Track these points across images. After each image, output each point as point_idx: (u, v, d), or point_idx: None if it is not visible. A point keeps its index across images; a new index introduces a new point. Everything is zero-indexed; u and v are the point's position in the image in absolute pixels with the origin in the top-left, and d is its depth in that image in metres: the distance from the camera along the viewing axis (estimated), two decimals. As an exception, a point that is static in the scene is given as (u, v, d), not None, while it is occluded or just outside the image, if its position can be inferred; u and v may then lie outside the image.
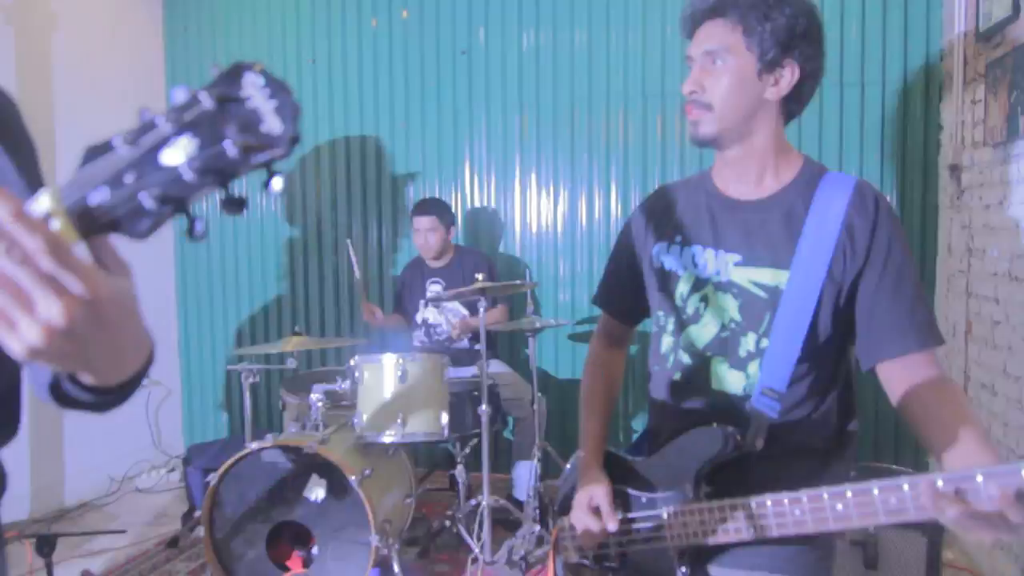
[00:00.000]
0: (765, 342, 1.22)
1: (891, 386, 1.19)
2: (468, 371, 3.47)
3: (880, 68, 3.65)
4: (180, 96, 0.54)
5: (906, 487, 0.96)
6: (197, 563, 3.19)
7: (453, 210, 3.88)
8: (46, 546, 2.94)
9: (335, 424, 3.00)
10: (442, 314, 3.74)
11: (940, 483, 0.90)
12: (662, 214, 1.41)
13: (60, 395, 0.79)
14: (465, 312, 3.67)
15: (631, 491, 1.33)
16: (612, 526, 1.26)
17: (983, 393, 2.97)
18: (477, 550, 2.90)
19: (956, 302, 3.31)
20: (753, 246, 1.25)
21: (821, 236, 1.19)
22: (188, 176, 0.52)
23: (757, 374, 1.22)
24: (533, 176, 4.15)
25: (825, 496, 1.04)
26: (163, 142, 0.53)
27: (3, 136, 0.87)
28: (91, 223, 0.55)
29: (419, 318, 3.79)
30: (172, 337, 4.79)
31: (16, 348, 0.55)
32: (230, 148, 0.51)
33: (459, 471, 3.33)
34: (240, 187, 0.51)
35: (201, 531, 2.75)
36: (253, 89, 0.53)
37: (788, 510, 1.08)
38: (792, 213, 1.23)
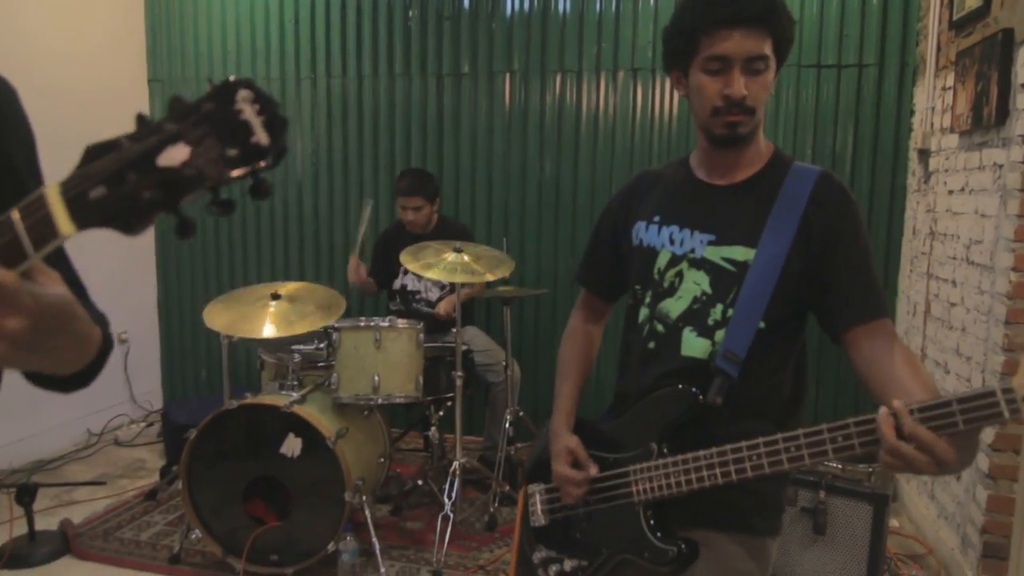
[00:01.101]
0: (731, 312, 1.30)
1: (855, 350, 1.27)
2: (443, 337, 3.53)
3: (857, 50, 3.70)
4: (179, 105, 0.60)
5: (851, 424, 1.10)
6: (175, 515, 3.27)
7: (436, 179, 3.85)
8: (27, 495, 3.01)
9: (311, 384, 3.05)
10: (421, 281, 3.75)
11: (897, 403, 1.03)
12: (643, 195, 1.48)
13: (29, 378, 0.86)
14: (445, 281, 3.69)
15: (599, 453, 1.42)
16: (593, 470, 1.38)
17: (937, 371, 3.09)
18: (448, 508, 2.98)
19: (917, 282, 3.42)
20: (727, 226, 1.34)
21: (787, 219, 1.28)
22: (181, 179, 0.58)
23: (722, 341, 1.30)
24: (513, 144, 4.18)
25: (780, 439, 1.17)
26: (161, 146, 0.59)
27: (2, 124, 0.89)
28: (88, 217, 0.60)
29: (397, 283, 3.80)
30: (151, 294, 4.82)
31: None
32: (221, 156, 0.57)
33: (432, 432, 3.43)
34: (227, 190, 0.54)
35: (179, 484, 2.82)
36: (245, 103, 0.58)
37: (746, 455, 1.20)
38: (762, 197, 1.32)
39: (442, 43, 4.21)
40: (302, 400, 2.85)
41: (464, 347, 3.30)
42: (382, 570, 2.77)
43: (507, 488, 3.29)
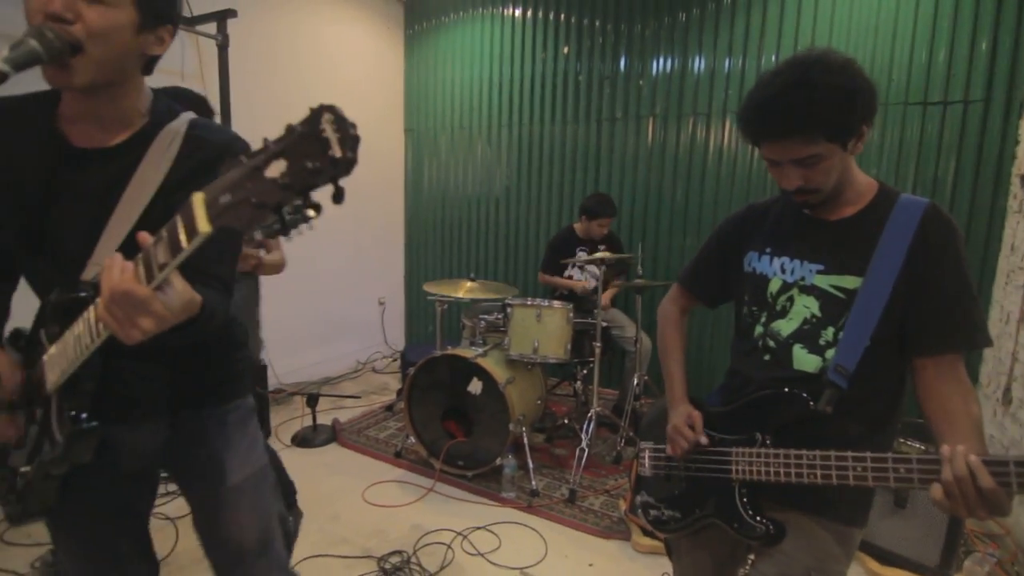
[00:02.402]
0: (841, 334, 1.06)
1: (920, 377, 1.02)
2: (590, 315, 3.34)
3: (963, 88, 2.99)
4: (287, 128, 0.53)
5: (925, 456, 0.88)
6: (401, 423, 3.38)
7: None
8: (313, 401, 3.26)
9: (492, 343, 3.02)
10: (583, 273, 3.60)
11: (973, 458, 0.82)
12: (754, 227, 1.24)
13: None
14: (597, 272, 3.48)
15: (708, 431, 1.22)
16: (704, 440, 1.19)
17: (1028, 374, 2.43)
18: (585, 443, 2.84)
19: (1013, 294, 2.72)
20: (835, 257, 1.08)
21: (894, 249, 1.02)
22: (278, 188, 0.50)
23: (833, 357, 1.07)
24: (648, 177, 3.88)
25: (868, 457, 0.95)
26: (268, 161, 0.53)
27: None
28: (218, 217, 0.56)
29: (565, 275, 3.64)
30: (399, 272, 5.08)
31: (126, 338, 0.70)
32: (304, 168, 0.49)
33: (578, 385, 3.29)
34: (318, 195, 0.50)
35: (402, 403, 2.92)
36: (327, 124, 0.52)
37: (845, 464, 0.97)
38: (869, 231, 1.05)
39: (603, 96, 3.99)
40: (484, 355, 2.83)
41: (605, 324, 3.11)
42: (533, 482, 2.69)
43: (631, 433, 3.07)
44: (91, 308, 0.78)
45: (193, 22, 3.09)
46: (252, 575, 1.10)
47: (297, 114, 0.52)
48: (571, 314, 2.88)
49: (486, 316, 3.14)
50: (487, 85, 4.41)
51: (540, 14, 4.14)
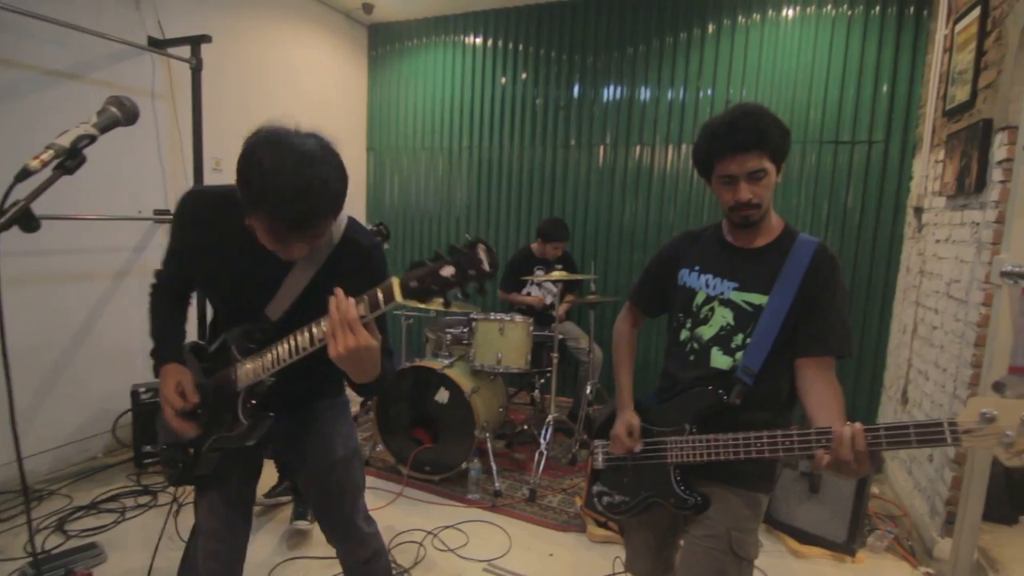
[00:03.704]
0: (748, 340, 1.32)
1: (801, 373, 1.29)
2: (547, 328, 3.57)
3: (868, 130, 3.47)
4: (454, 249, 0.92)
5: (813, 433, 1.14)
6: (369, 432, 3.48)
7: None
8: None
9: (457, 355, 3.20)
10: (540, 290, 3.81)
11: (882, 427, 1.04)
12: (688, 249, 1.50)
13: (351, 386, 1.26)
14: (554, 288, 3.63)
15: (648, 425, 1.47)
16: (638, 448, 1.44)
17: (919, 377, 2.86)
18: (543, 446, 3.07)
19: (908, 309, 3.17)
20: (748, 278, 1.35)
21: (792, 276, 1.29)
22: (447, 282, 0.90)
23: (741, 359, 1.32)
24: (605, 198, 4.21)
25: (765, 435, 1.21)
26: (441, 266, 0.90)
27: (373, 278, 1.17)
28: (409, 294, 0.93)
29: (524, 292, 3.83)
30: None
31: (332, 352, 1.00)
32: (465, 274, 0.89)
33: (536, 393, 3.53)
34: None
35: (371, 412, 3.07)
36: (481, 250, 0.90)
37: (750, 441, 1.24)
38: (775, 260, 1.33)
39: (558, 123, 4.30)
40: (451, 365, 3.01)
41: (561, 336, 3.37)
42: (496, 484, 2.89)
43: (585, 437, 3.34)
44: (295, 336, 1.12)
45: (165, 45, 3.19)
46: (354, 526, 1.47)
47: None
48: (531, 327, 3.13)
49: (451, 330, 3.34)
50: (448, 107, 4.64)
51: (500, 43, 4.42)
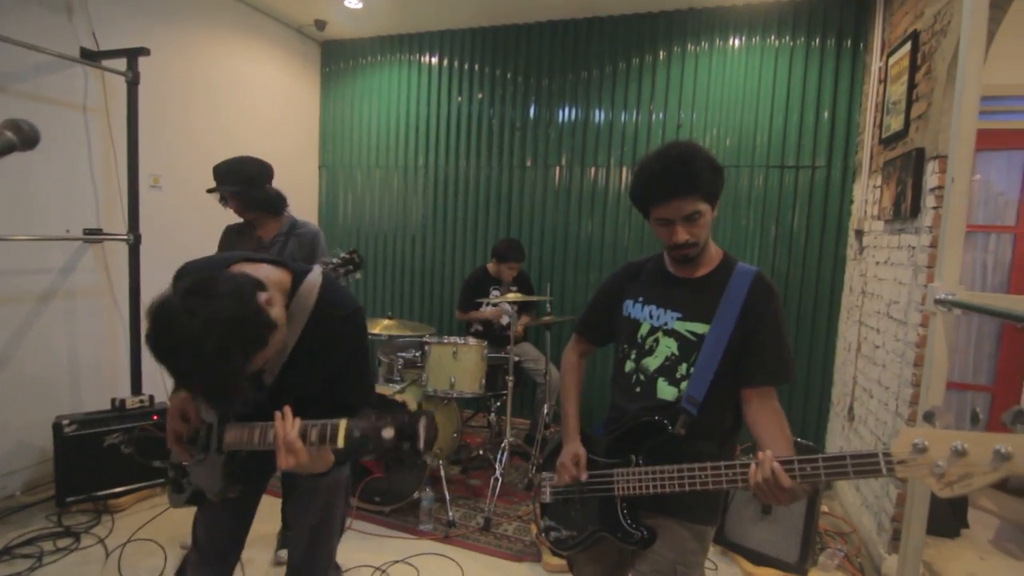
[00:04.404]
0: (692, 369, 1.32)
1: (747, 403, 1.30)
2: (503, 350, 3.54)
3: (811, 155, 3.61)
4: (398, 415, 1.00)
5: (752, 465, 1.13)
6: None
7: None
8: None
9: (410, 380, 3.15)
10: (499, 309, 3.73)
11: (820, 457, 1.06)
12: (630, 281, 1.50)
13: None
14: (510, 308, 3.70)
15: (594, 457, 1.45)
16: (584, 477, 1.41)
17: (864, 395, 2.95)
18: (499, 472, 3.02)
19: (852, 328, 3.28)
20: (690, 308, 1.36)
21: (732, 305, 1.30)
22: (385, 443, 0.98)
23: (686, 389, 1.32)
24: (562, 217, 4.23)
25: (709, 467, 1.20)
26: (383, 426, 0.99)
27: (350, 346, 1.33)
28: (350, 443, 1.01)
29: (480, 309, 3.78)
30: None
31: (282, 464, 1.08)
32: (401, 443, 1.00)
33: (492, 417, 3.48)
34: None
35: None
36: (421, 426, 1.00)
37: (693, 475, 1.22)
38: (714, 289, 1.34)
39: (514, 143, 4.32)
40: (403, 391, 2.95)
41: (517, 358, 3.34)
42: (450, 513, 2.83)
43: (542, 460, 3.29)
44: (261, 430, 1.23)
45: (100, 57, 3.05)
46: (318, 568, 1.60)
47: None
48: (486, 351, 3.09)
49: (404, 354, 3.28)
50: (404, 125, 4.61)
51: (456, 63, 4.43)
